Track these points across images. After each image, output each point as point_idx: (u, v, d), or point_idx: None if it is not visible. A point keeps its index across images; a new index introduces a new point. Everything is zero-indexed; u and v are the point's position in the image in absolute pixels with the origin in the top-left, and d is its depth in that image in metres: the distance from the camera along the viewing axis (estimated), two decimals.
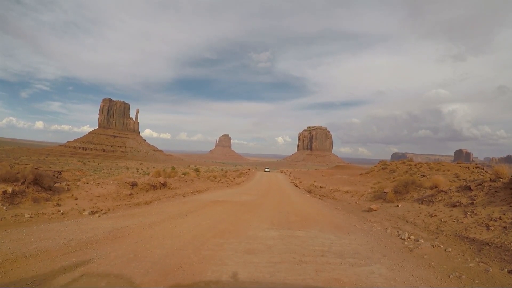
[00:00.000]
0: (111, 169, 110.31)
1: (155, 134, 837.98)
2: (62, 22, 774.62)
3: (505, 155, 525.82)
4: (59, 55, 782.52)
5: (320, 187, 27.18)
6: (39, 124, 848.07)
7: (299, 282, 5.01)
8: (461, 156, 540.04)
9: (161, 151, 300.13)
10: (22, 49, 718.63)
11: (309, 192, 25.65)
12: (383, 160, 57.56)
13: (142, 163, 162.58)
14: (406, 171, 40.54)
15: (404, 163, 50.47)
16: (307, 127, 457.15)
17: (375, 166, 54.29)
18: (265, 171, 76.38)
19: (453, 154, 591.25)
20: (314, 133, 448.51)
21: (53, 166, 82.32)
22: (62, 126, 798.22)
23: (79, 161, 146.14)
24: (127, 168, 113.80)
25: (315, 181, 34.86)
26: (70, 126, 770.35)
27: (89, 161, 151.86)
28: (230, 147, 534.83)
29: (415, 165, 45.74)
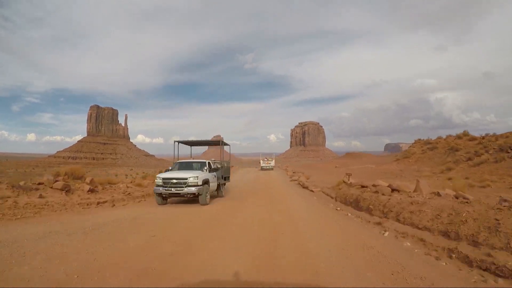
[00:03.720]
0: (99, 176, 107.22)
1: (147, 140, 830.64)
2: (50, 37, 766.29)
3: None
4: (49, 69, 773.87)
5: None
6: (31, 137, 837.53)
7: None
8: None
9: (152, 155, 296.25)
10: (13, 65, 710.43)
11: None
12: (420, 140, 43.24)
13: (132, 169, 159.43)
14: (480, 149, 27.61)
15: (460, 138, 36.71)
16: (299, 123, 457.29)
17: (412, 147, 41.84)
18: (263, 168, 50.48)
19: None
20: (306, 128, 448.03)
21: (38, 178, 79.25)
22: (54, 137, 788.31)
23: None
24: (116, 175, 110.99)
25: (348, 176, 17.30)
26: (62, 137, 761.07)
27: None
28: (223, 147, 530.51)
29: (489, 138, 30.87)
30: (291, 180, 28.17)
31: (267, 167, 50.46)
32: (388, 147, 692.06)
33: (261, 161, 53.12)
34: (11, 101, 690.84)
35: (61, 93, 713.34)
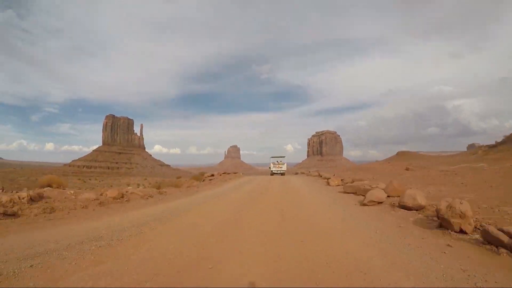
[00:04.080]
0: (111, 186, 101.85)
1: (164, 150, 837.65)
2: (69, 48, 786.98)
3: None
4: (67, 79, 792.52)
5: None
6: (50, 146, 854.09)
7: None
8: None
9: (168, 165, 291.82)
10: (32, 75, 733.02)
11: None
12: None
13: (146, 178, 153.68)
14: None
15: None
16: (316, 132, 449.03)
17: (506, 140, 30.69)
18: (274, 173, 42.76)
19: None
20: (323, 137, 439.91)
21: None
22: (73, 146, 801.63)
23: (79, 179, 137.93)
24: (128, 185, 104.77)
25: None
26: (80, 146, 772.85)
27: (90, 179, 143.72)
28: (240, 158, 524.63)
29: None
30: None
31: (279, 172, 42.68)
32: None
33: (272, 165, 44.23)
34: (31, 111, 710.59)
35: (79, 103, 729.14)
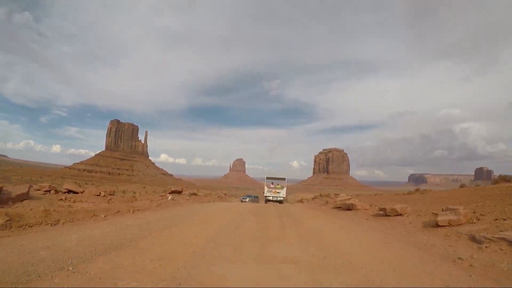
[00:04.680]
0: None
1: (170, 159, 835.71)
2: (82, 53, 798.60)
3: None
4: (78, 84, 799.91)
5: None
6: (56, 148, 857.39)
7: None
8: (482, 174, 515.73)
9: (170, 175, 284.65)
10: (44, 78, 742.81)
11: None
12: None
13: (145, 187, 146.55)
14: None
15: None
16: (323, 149, 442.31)
17: None
18: (268, 199, 31.34)
19: (472, 173, 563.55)
20: (330, 155, 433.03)
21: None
22: (79, 150, 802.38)
23: (75, 182, 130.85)
24: (123, 192, 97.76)
25: None
26: (87, 150, 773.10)
27: (86, 183, 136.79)
28: (244, 171, 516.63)
29: None
30: None
31: (275, 199, 30.83)
32: (412, 177, 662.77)
33: (266, 188, 32.00)
34: (40, 112, 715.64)
35: (88, 108, 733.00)
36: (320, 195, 34.31)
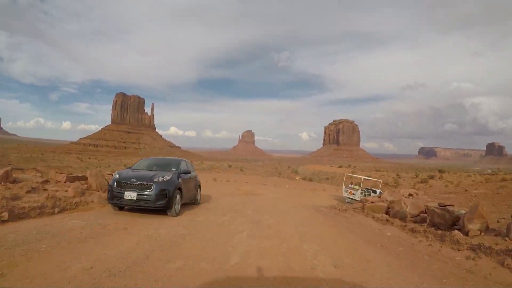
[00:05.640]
0: (109, 166, 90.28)
1: (180, 132, 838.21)
2: (89, 31, 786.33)
3: None
4: (86, 61, 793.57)
5: None
6: (66, 125, 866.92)
7: None
8: (494, 150, 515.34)
9: (178, 147, 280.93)
10: (52, 55, 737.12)
11: None
12: None
13: None
14: None
15: None
16: (334, 121, 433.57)
17: None
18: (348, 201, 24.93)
19: (483, 148, 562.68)
20: (340, 126, 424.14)
21: (37, 164, 63.54)
22: (89, 126, 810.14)
23: (78, 158, 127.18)
24: (125, 166, 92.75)
25: None
26: (97, 126, 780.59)
27: (89, 158, 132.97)
28: (254, 143, 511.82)
29: None
30: None
31: (351, 200, 25.87)
32: (422, 151, 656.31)
33: (344, 188, 28.60)
34: (49, 90, 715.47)
35: (97, 84, 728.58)
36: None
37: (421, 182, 52.93)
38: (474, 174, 64.55)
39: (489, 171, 76.22)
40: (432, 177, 59.13)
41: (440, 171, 76.81)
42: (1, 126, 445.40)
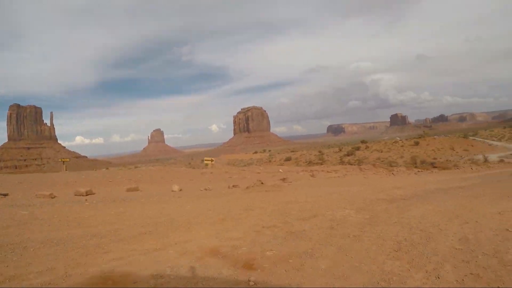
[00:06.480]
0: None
1: (87, 141, 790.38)
2: None
3: (438, 115, 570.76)
4: None
5: None
6: None
7: None
8: (397, 120, 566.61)
9: (84, 157, 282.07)
10: None
11: None
12: None
13: None
14: None
15: None
16: (242, 109, 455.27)
17: None
18: None
19: (387, 119, 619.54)
20: (249, 113, 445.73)
21: None
22: None
23: None
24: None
25: None
26: None
27: None
28: (164, 141, 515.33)
29: None
30: None
31: None
32: (330, 128, 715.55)
33: None
34: None
35: None
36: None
37: (348, 155, 55.13)
38: (401, 140, 70.80)
39: (398, 138, 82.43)
40: (358, 149, 61.58)
41: (363, 141, 79.34)
42: None
